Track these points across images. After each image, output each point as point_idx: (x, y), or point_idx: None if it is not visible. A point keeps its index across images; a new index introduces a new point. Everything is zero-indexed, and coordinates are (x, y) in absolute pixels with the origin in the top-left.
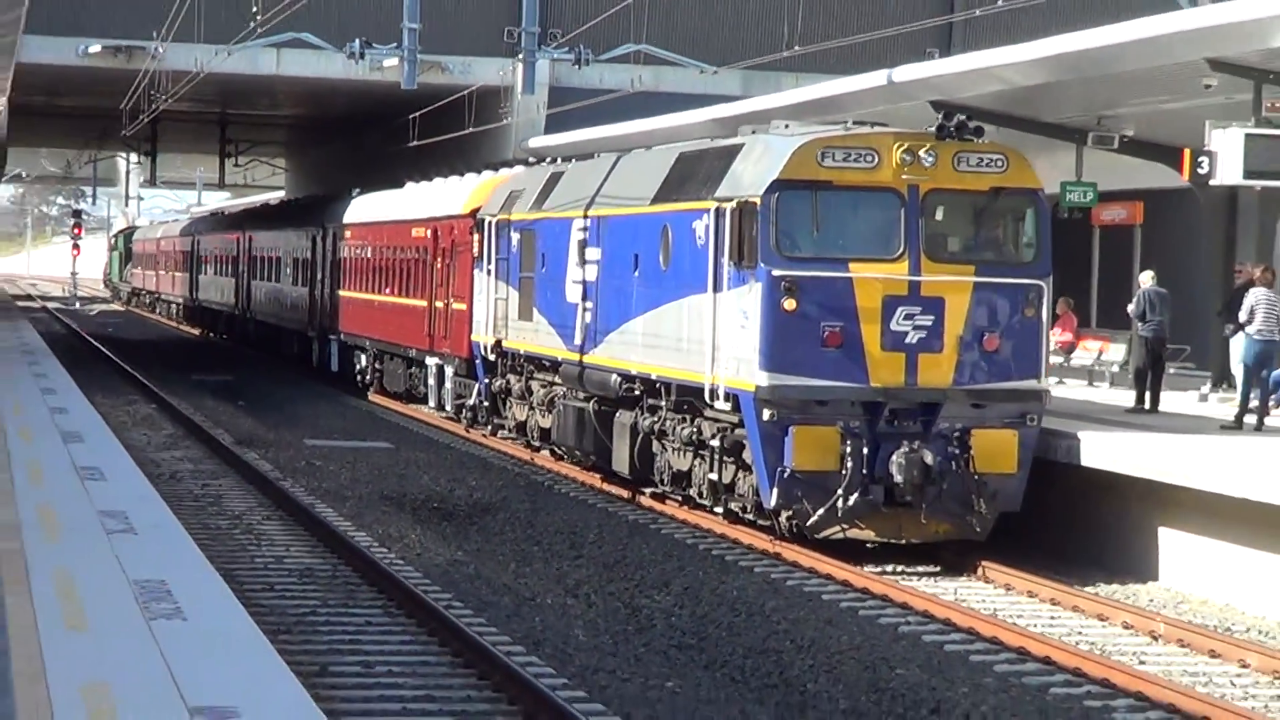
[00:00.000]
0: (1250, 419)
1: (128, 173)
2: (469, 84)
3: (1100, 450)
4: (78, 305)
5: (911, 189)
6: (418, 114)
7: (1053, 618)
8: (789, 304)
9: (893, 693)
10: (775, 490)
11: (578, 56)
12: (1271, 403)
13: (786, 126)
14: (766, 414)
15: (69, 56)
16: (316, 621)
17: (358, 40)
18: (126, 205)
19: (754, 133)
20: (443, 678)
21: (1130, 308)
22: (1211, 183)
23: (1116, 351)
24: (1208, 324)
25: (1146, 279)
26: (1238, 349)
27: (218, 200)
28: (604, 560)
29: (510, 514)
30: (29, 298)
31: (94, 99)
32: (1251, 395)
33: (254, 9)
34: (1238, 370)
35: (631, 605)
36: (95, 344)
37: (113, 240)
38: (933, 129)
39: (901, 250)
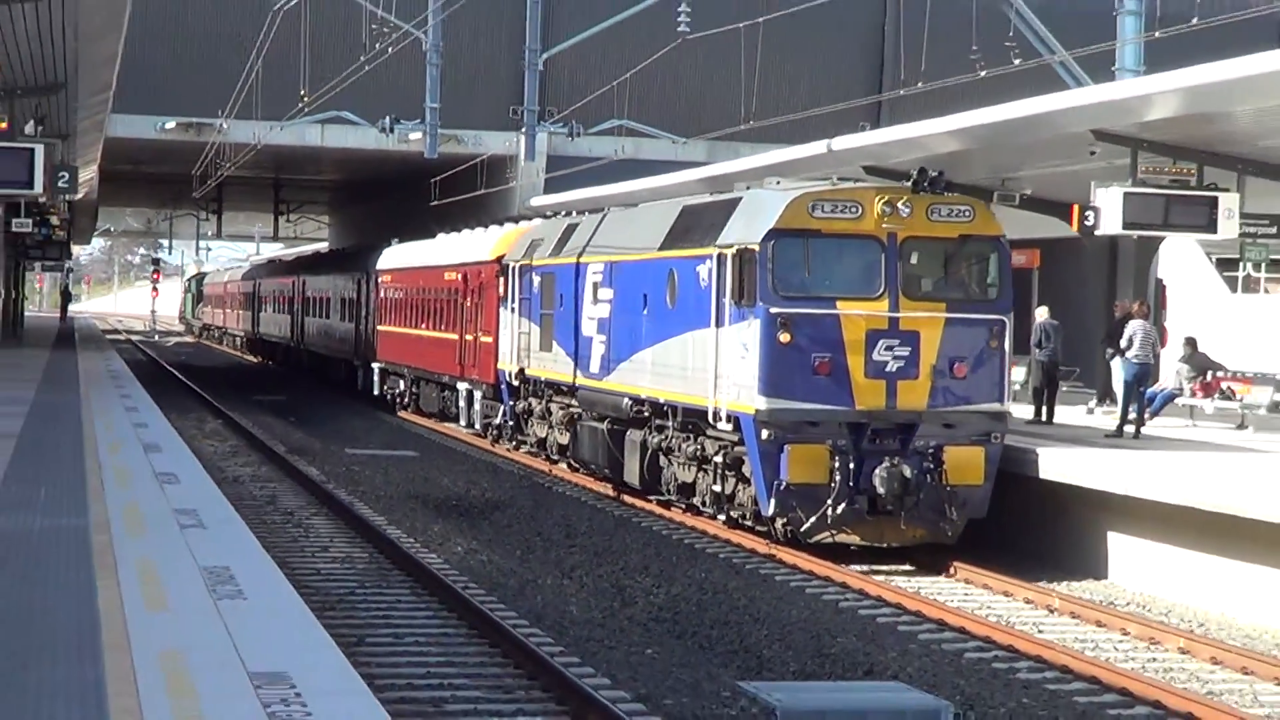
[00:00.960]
0: (1129, 429)
1: (198, 228)
2: (480, 153)
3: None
4: (156, 338)
5: (890, 236)
6: (438, 178)
7: (993, 603)
8: (784, 337)
9: (833, 657)
10: (773, 500)
11: (571, 130)
12: (1147, 415)
13: (778, 182)
14: (765, 434)
15: (148, 132)
16: (355, 600)
17: (388, 117)
18: (197, 254)
19: (748, 188)
20: (460, 646)
21: (1030, 338)
22: (1096, 233)
23: (1018, 374)
24: (1094, 350)
25: (1042, 313)
26: (1119, 371)
27: (272, 250)
28: (594, 549)
29: (516, 511)
30: (116, 332)
31: (170, 167)
32: (1130, 409)
33: (302, 92)
34: (1119, 388)
35: (617, 586)
36: (171, 370)
37: (186, 284)
38: (909, 184)
39: (882, 290)
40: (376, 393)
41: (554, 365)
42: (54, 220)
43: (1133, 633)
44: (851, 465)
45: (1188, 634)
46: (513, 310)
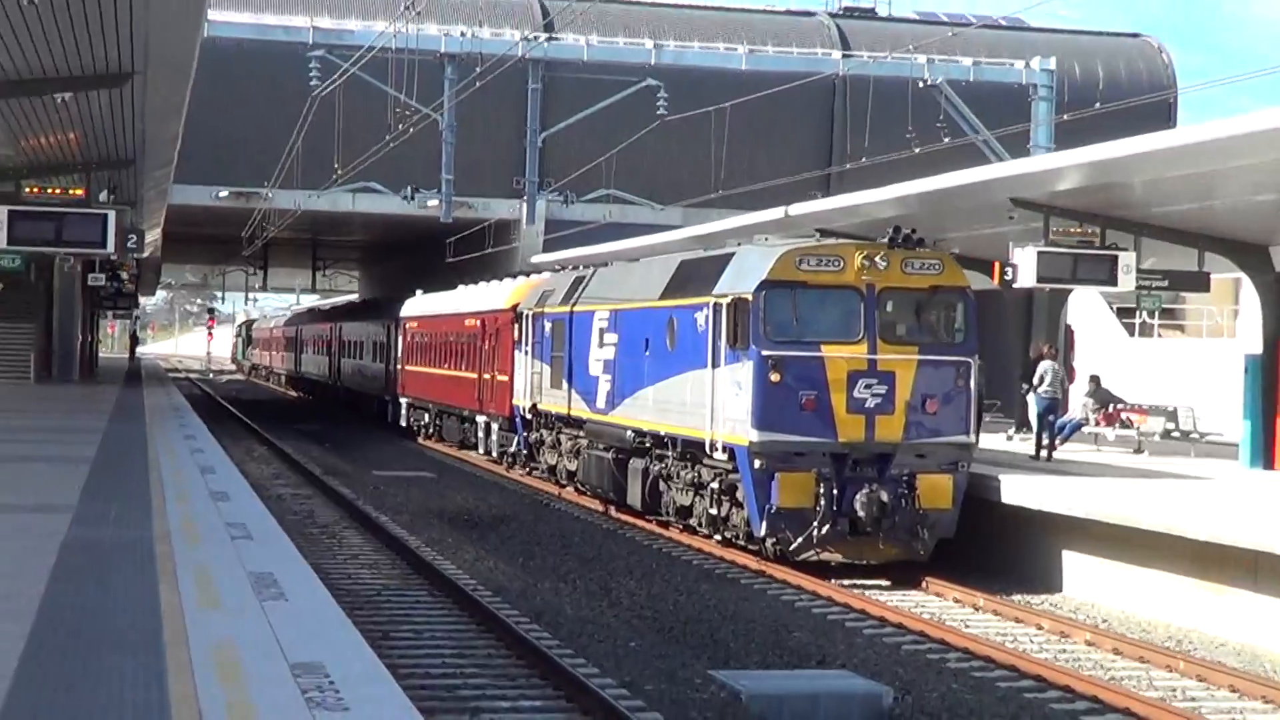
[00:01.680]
0: (1043, 454)
1: (247, 281)
2: (489, 217)
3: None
4: (211, 376)
5: (869, 287)
6: (452, 238)
7: (944, 609)
8: (774, 377)
9: (790, 649)
10: (764, 523)
11: (565, 198)
12: (1058, 441)
13: (766, 239)
14: (757, 463)
15: (205, 199)
16: (380, 601)
17: (409, 187)
18: (246, 304)
19: (739, 244)
20: (471, 640)
21: None
22: (1014, 286)
23: None
24: (1013, 386)
25: None
26: (1033, 404)
27: (310, 300)
28: (584, 556)
29: (519, 523)
30: (176, 371)
31: (222, 229)
32: (1043, 436)
33: (336, 165)
34: (1034, 419)
35: (604, 588)
36: (224, 404)
37: (237, 329)
38: (885, 240)
39: (862, 335)
40: (404, 424)
41: (564, 401)
42: (124, 275)
43: (1046, 627)
44: (835, 491)
45: (1093, 628)
46: (526, 352)
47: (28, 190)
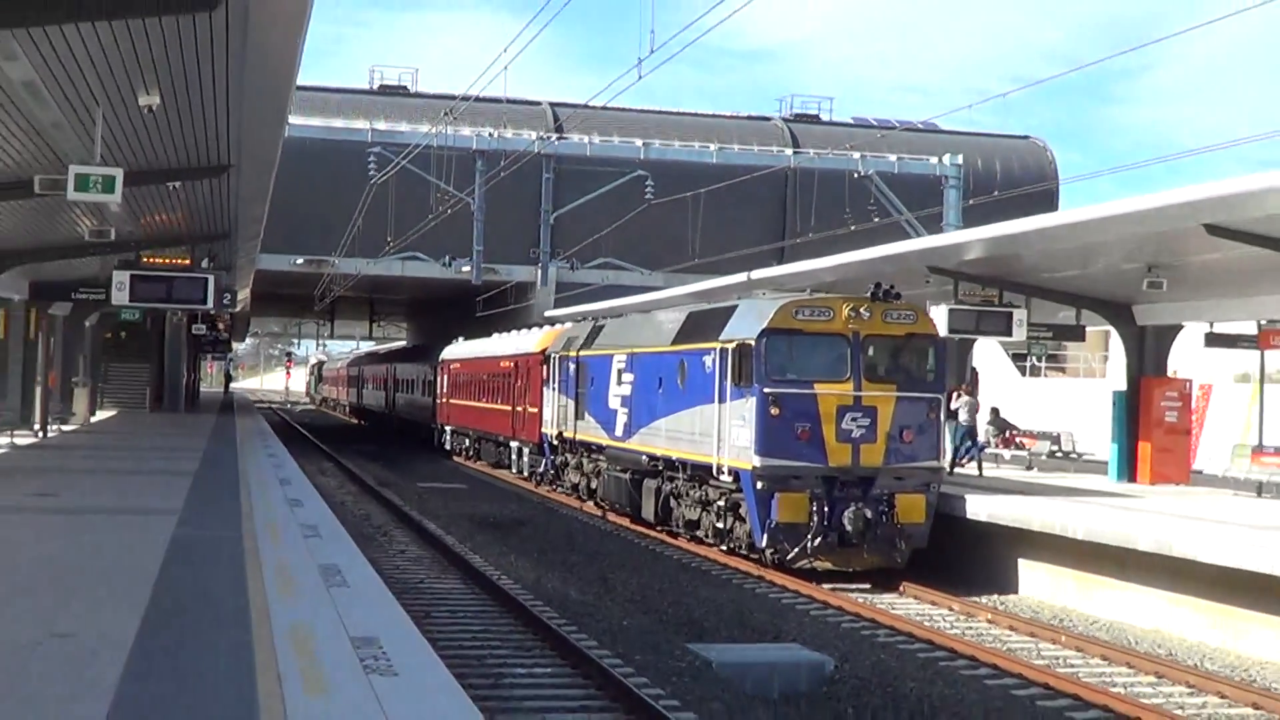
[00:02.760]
0: (963, 469)
1: (317, 330)
2: (510, 280)
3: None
4: (289, 406)
5: (855, 334)
6: (481, 297)
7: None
8: (775, 410)
9: (752, 627)
10: (765, 535)
11: (572, 264)
12: (967, 460)
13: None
14: (759, 484)
15: (284, 266)
16: (423, 588)
17: (447, 256)
18: (316, 348)
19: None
20: (495, 619)
21: None
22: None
23: None
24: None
25: None
26: (950, 432)
27: (367, 345)
28: (587, 552)
29: (534, 526)
30: (261, 402)
31: (298, 289)
32: (960, 457)
33: (388, 239)
34: (949, 443)
35: (603, 578)
36: (299, 428)
37: (311, 369)
38: (868, 294)
39: (849, 375)
40: (447, 446)
41: (586, 430)
42: (220, 326)
43: (956, 609)
44: (826, 508)
45: (991, 609)
46: (553, 389)
47: (145, 259)
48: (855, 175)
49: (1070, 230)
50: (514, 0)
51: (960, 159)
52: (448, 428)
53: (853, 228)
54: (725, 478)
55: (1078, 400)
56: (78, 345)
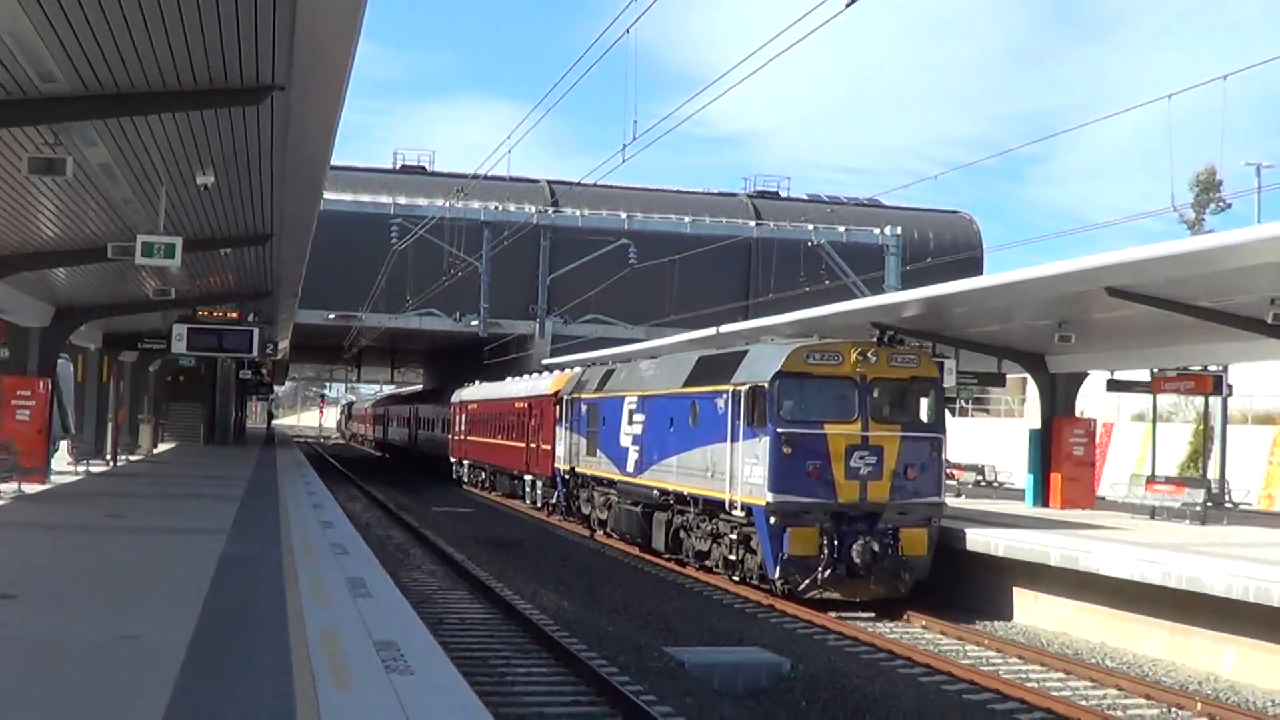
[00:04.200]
0: None
1: (346, 375)
2: (512, 333)
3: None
4: (322, 440)
5: (862, 377)
6: (488, 347)
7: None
8: (787, 450)
9: (720, 633)
10: (778, 568)
11: (565, 320)
12: None
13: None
14: (772, 520)
15: (318, 320)
16: (436, 598)
17: (458, 312)
18: (346, 391)
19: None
20: (498, 626)
21: None
22: None
23: None
24: None
25: None
26: None
27: (389, 388)
28: (578, 567)
29: (532, 545)
30: (299, 437)
31: (330, 340)
32: None
33: (408, 297)
34: None
35: (591, 591)
36: (330, 460)
37: (342, 408)
38: (874, 339)
39: (856, 415)
40: (466, 478)
41: (598, 465)
42: (264, 371)
43: (906, 618)
44: (835, 542)
45: (927, 616)
46: (566, 428)
47: (200, 313)
48: (809, 244)
49: (992, 292)
50: (518, 93)
51: (899, 230)
52: (465, 461)
53: (807, 289)
54: (737, 512)
55: (999, 437)
56: (143, 387)
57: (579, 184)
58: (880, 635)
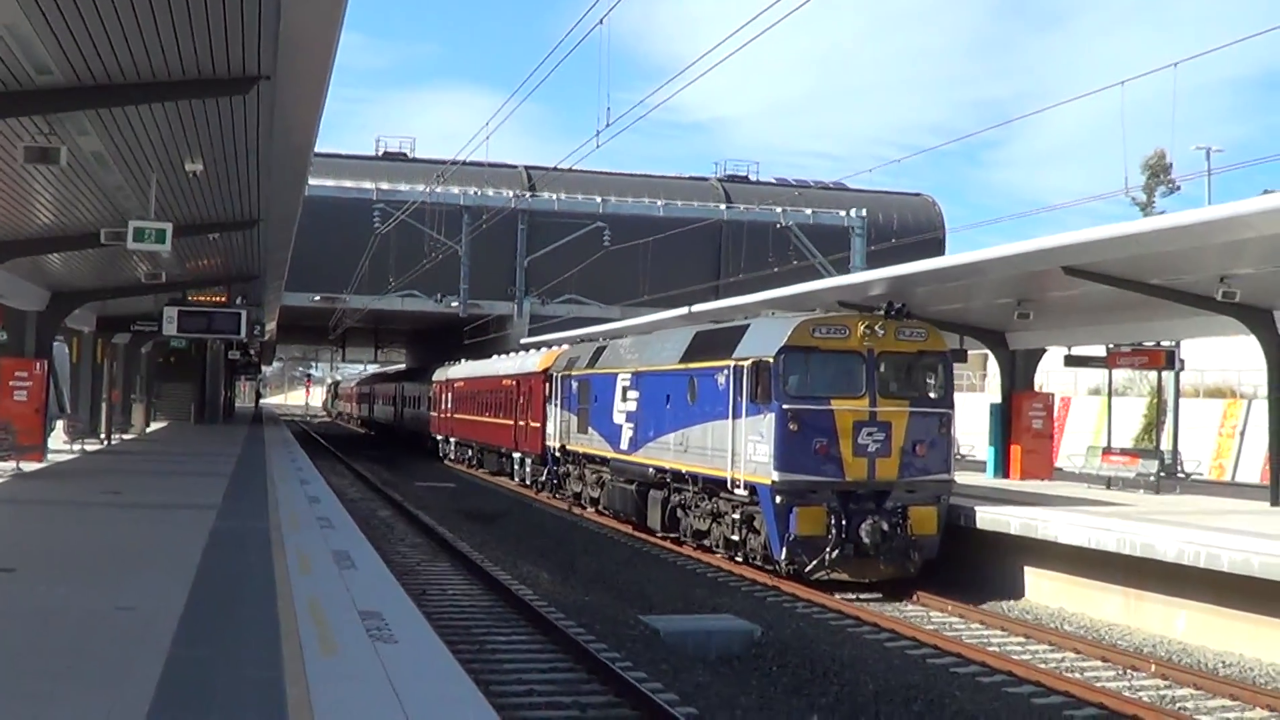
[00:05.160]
0: None
1: (331, 356)
2: (491, 313)
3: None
4: (309, 419)
5: (870, 351)
6: (467, 327)
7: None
8: (793, 426)
9: (694, 601)
10: (784, 549)
11: (542, 300)
12: None
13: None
14: (778, 499)
15: (304, 302)
16: (419, 570)
17: (439, 293)
18: (332, 370)
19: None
20: (479, 597)
21: None
22: None
23: None
24: None
25: None
26: None
27: (373, 368)
28: (556, 538)
29: (512, 518)
30: (286, 415)
31: (315, 322)
32: None
33: (390, 279)
34: None
35: (569, 562)
36: (317, 437)
37: (328, 387)
38: (881, 312)
39: (864, 391)
40: (452, 456)
41: (590, 443)
42: (251, 352)
43: (881, 592)
44: (843, 521)
45: (888, 585)
46: (556, 405)
47: (190, 297)
48: (778, 226)
49: (954, 271)
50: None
51: (864, 212)
52: (452, 439)
53: (775, 269)
54: (740, 491)
55: (960, 411)
56: (135, 368)
57: (555, 169)
58: (845, 601)
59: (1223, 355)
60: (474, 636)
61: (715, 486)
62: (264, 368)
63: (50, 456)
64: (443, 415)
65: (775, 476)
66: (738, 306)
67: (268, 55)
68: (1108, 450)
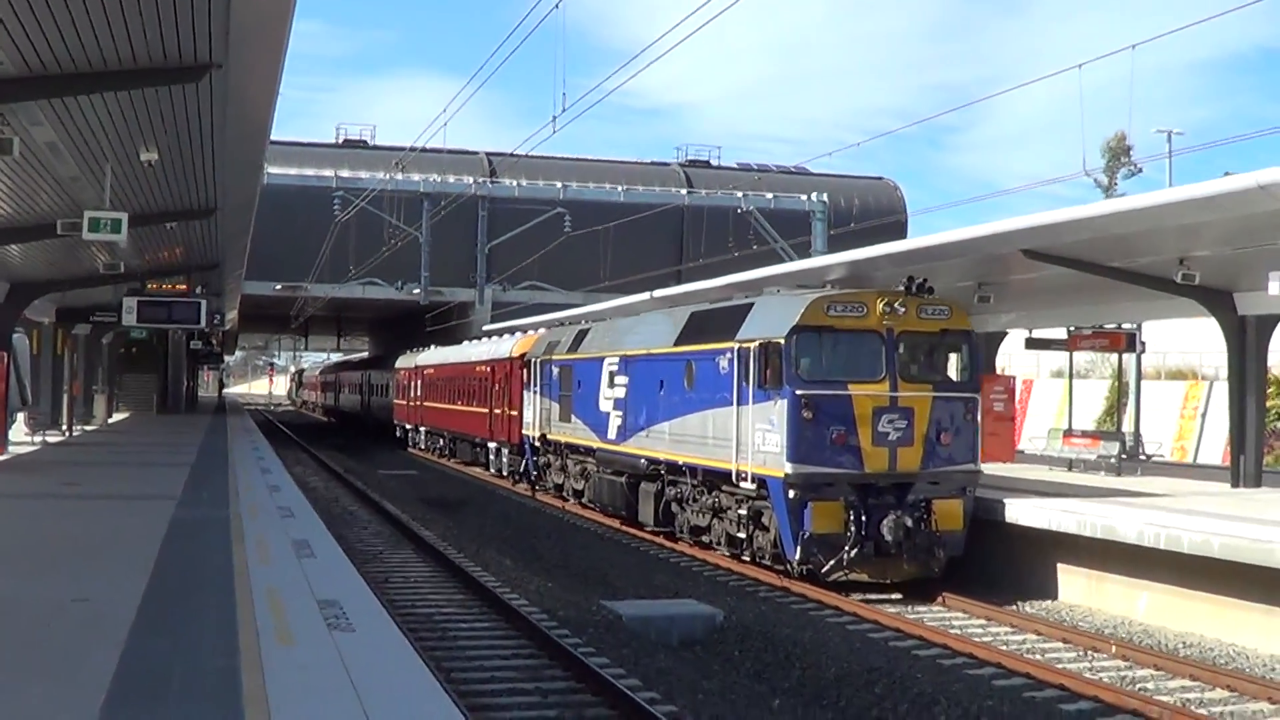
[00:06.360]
0: None
1: (295, 344)
2: (453, 300)
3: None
4: (272, 408)
5: (889, 330)
6: (429, 314)
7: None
8: (807, 414)
9: (656, 586)
10: (799, 548)
11: (504, 287)
12: None
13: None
14: (791, 493)
15: (265, 291)
16: (381, 558)
17: (400, 280)
18: (295, 359)
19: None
20: (441, 584)
21: None
22: None
23: None
24: None
25: None
26: None
27: (337, 356)
28: (518, 525)
29: (475, 505)
30: (249, 404)
31: (278, 310)
32: None
33: (351, 267)
34: None
35: (532, 548)
36: (280, 426)
37: (292, 375)
38: (901, 288)
39: (884, 374)
40: (422, 445)
41: (574, 432)
42: (213, 341)
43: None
44: (863, 517)
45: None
46: (535, 392)
47: (150, 286)
48: (739, 211)
49: (914, 254)
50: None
51: (825, 197)
52: (422, 428)
53: (736, 254)
54: (747, 485)
55: None
56: (96, 359)
57: (515, 155)
58: (804, 583)
59: (1184, 337)
60: (436, 624)
61: (717, 479)
62: (226, 357)
63: (11, 449)
64: (411, 403)
65: (788, 469)
66: (699, 292)
67: (219, 43)
68: (1069, 433)
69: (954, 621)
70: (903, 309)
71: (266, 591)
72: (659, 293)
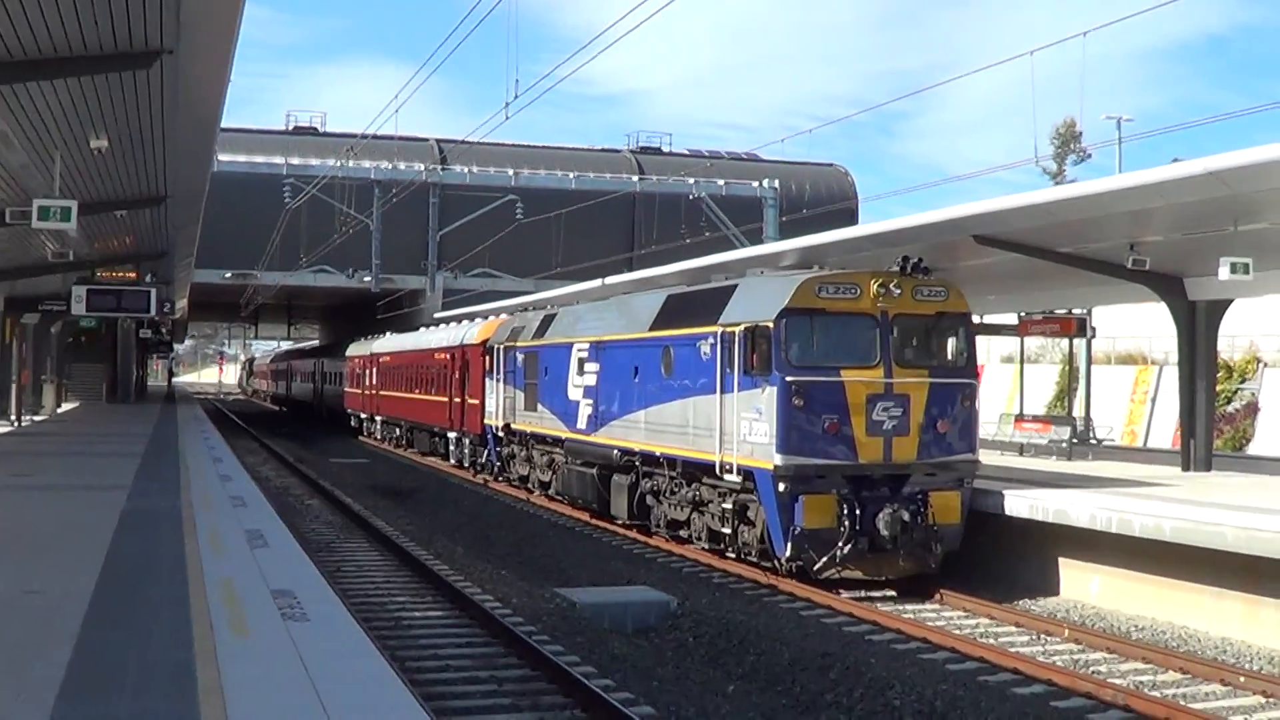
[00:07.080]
0: None
1: (244, 333)
2: (404, 288)
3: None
4: (223, 397)
5: (883, 313)
6: (380, 302)
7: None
8: (798, 401)
9: (610, 574)
10: (789, 545)
11: (456, 274)
12: None
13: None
14: (781, 486)
15: (214, 279)
16: (334, 547)
17: (351, 268)
18: (245, 347)
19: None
20: (394, 572)
21: None
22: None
23: None
24: None
25: None
26: None
27: (286, 344)
28: (470, 513)
29: (428, 494)
30: (199, 393)
31: (227, 299)
32: None
33: (301, 255)
34: None
35: (484, 536)
36: (230, 415)
37: (243, 364)
38: (896, 268)
39: (878, 359)
40: (378, 436)
41: (540, 422)
42: (163, 330)
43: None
44: (857, 511)
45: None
46: (498, 380)
47: (99, 275)
48: (690, 197)
49: (865, 241)
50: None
51: (776, 183)
52: (377, 417)
53: (688, 241)
54: (731, 477)
55: None
56: (45, 349)
57: (465, 141)
58: (761, 569)
59: (1134, 322)
60: (390, 613)
61: (698, 471)
62: (176, 346)
63: None
64: (366, 392)
65: (778, 460)
66: (651, 279)
67: (170, 29)
68: (1020, 417)
69: (907, 607)
70: (898, 290)
71: (220, 582)
72: (610, 279)
